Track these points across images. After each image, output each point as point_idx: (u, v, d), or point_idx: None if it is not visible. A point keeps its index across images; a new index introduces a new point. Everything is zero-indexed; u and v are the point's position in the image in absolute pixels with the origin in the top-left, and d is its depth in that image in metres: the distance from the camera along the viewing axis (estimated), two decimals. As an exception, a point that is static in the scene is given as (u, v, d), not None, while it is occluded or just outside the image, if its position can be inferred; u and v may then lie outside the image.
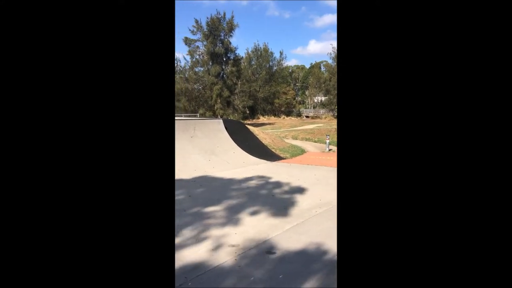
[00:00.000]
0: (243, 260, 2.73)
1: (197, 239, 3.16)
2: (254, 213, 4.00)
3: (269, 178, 6.12)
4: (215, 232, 3.37)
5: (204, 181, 5.89)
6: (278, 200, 4.59)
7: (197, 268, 2.57)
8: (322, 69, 41.22)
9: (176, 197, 4.71)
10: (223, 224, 3.60)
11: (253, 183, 5.72)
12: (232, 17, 25.03)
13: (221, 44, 25.03)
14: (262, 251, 2.91)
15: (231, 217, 3.83)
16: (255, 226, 3.54)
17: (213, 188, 5.32)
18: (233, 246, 3.02)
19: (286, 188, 5.33)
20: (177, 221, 3.64)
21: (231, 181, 5.85)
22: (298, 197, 4.75)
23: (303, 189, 5.22)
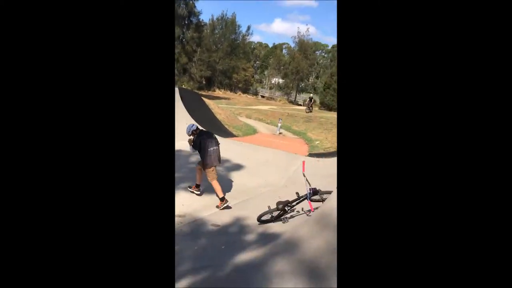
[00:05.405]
0: (186, 228, 2.93)
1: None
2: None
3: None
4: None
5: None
6: (225, 178, 4.82)
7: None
8: (284, 51, 41.35)
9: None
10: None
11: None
12: (200, -22, 23.32)
13: (184, 6, 23.38)
14: (206, 223, 3.14)
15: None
16: (200, 200, 3.73)
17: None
18: (179, 216, 3.19)
19: (234, 166, 5.57)
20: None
21: (179, 153, 5.87)
22: (245, 176, 5.03)
23: (251, 168, 5.52)
